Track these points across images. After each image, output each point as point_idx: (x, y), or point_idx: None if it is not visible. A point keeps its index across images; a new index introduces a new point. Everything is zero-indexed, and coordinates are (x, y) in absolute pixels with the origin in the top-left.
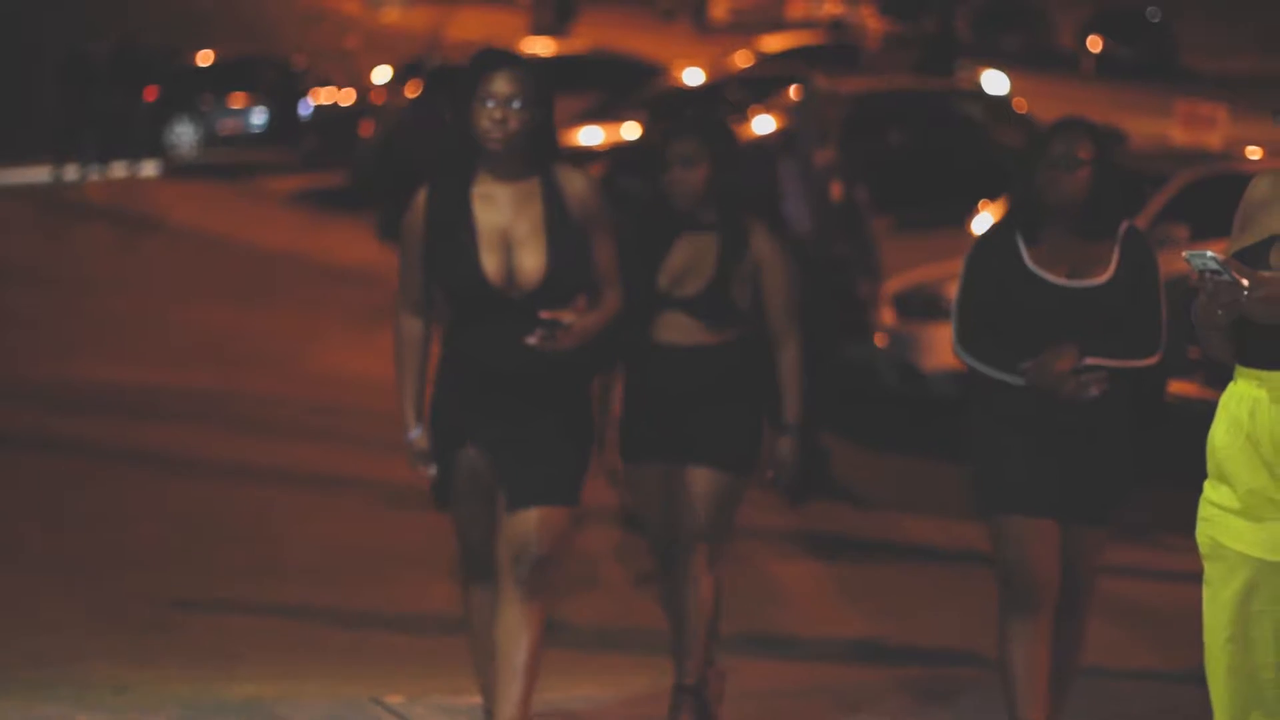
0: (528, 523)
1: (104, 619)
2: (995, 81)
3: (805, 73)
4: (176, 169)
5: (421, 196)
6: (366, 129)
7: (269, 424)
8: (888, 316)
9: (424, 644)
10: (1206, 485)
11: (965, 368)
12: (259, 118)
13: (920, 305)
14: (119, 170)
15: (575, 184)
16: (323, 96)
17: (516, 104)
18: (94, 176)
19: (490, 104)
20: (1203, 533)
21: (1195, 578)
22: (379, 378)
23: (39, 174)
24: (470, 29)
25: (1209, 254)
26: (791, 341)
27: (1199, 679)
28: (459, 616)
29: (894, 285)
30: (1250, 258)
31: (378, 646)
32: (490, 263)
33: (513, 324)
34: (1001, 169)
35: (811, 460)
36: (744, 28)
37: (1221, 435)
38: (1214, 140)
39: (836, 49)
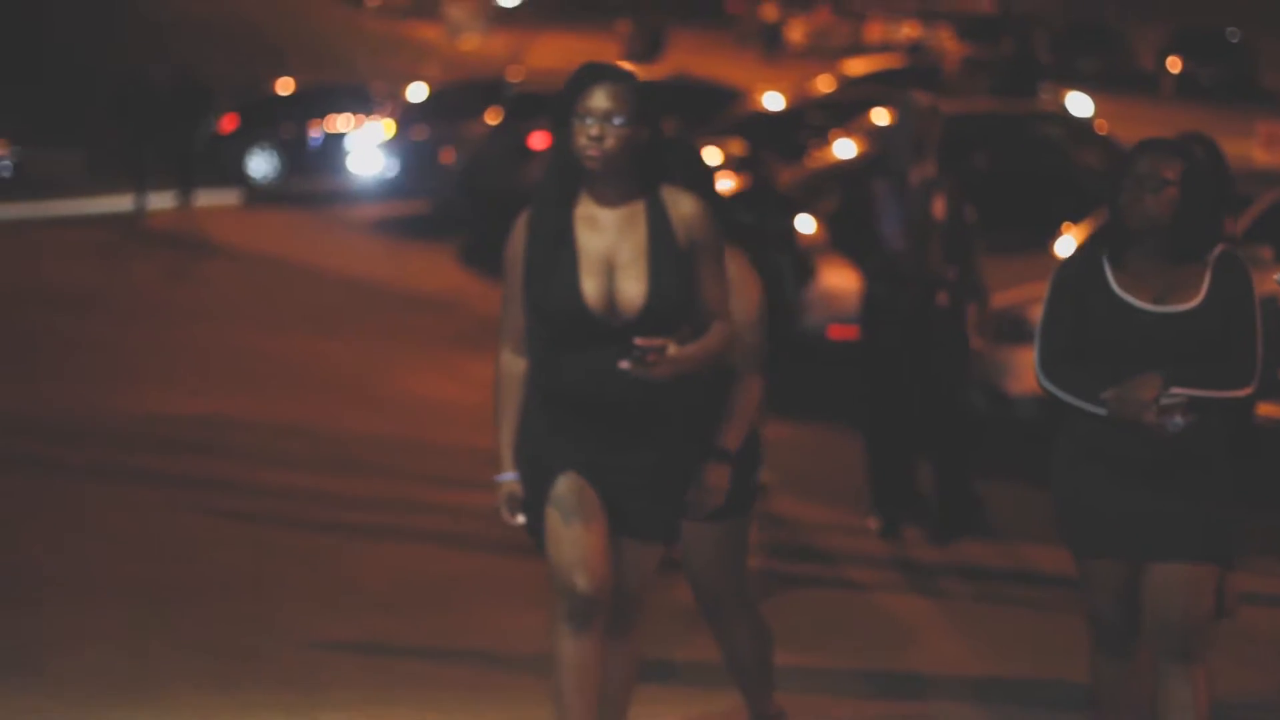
0: (627, 560)
1: (188, 647)
2: (1079, 104)
3: (886, 96)
4: (257, 197)
5: (520, 222)
6: (448, 156)
7: (349, 451)
8: (975, 341)
9: (507, 675)
10: None
11: (1048, 396)
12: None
13: (1005, 328)
14: (197, 199)
15: (684, 207)
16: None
17: (617, 120)
18: (171, 205)
19: (588, 121)
20: None
21: None
22: (460, 404)
23: (120, 203)
24: (549, 56)
25: None
26: (755, 368)
27: None
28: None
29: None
30: None
31: (462, 676)
32: (591, 288)
33: (613, 353)
34: (1083, 191)
35: (964, 502)
36: (822, 52)
37: None
38: None
39: (916, 72)
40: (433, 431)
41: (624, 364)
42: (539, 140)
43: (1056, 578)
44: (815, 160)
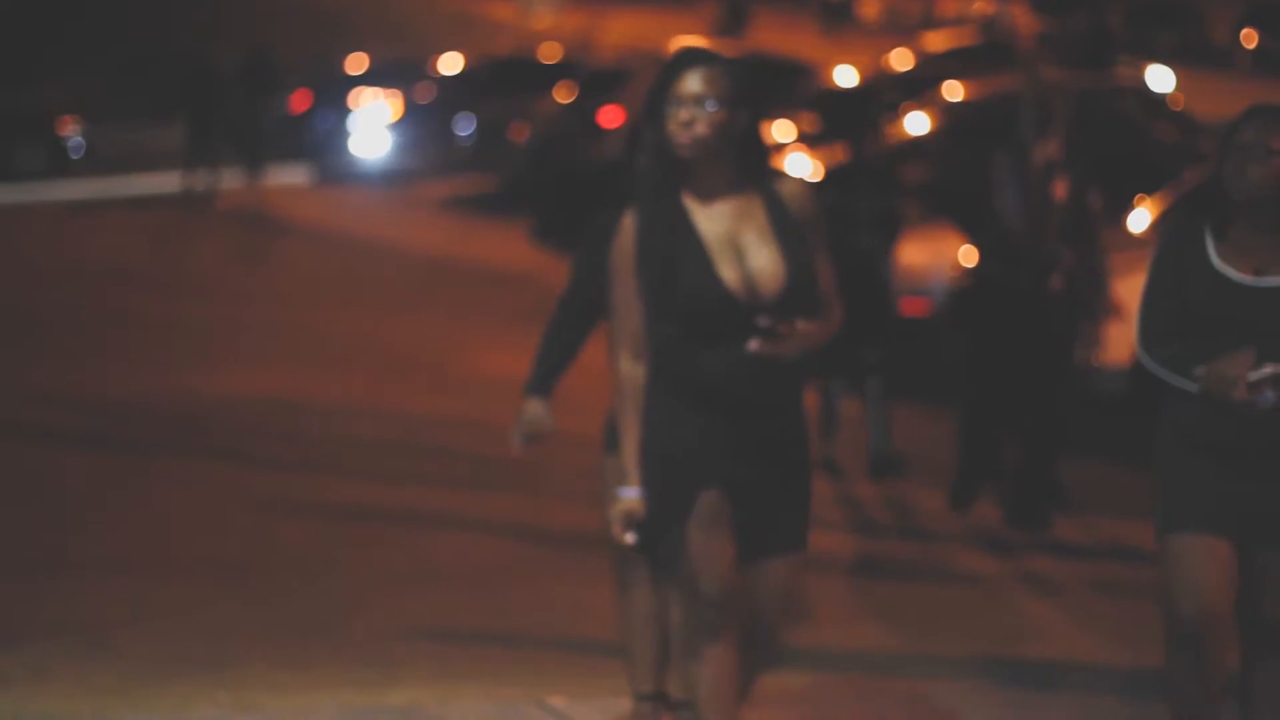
0: (773, 574)
1: (261, 623)
2: (1160, 78)
3: (961, 71)
4: (330, 175)
5: (626, 220)
6: (518, 133)
7: (421, 431)
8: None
9: (576, 654)
10: None
11: (1152, 373)
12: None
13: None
14: (268, 177)
15: (794, 189)
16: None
17: (709, 105)
18: (240, 183)
19: (680, 106)
20: None
21: None
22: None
23: (189, 182)
24: (622, 33)
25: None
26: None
27: None
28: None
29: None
30: None
31: (537, 648)
32: (729, 273)
33: (746, 337)
34: (1158, 166)
35: (1049, 487)
36: (895, 27)
37: None
38: None
39: (989, 48)
40: (505, 410)
41: (754, 345)
42: (609, 117)
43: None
44: (889, 135)
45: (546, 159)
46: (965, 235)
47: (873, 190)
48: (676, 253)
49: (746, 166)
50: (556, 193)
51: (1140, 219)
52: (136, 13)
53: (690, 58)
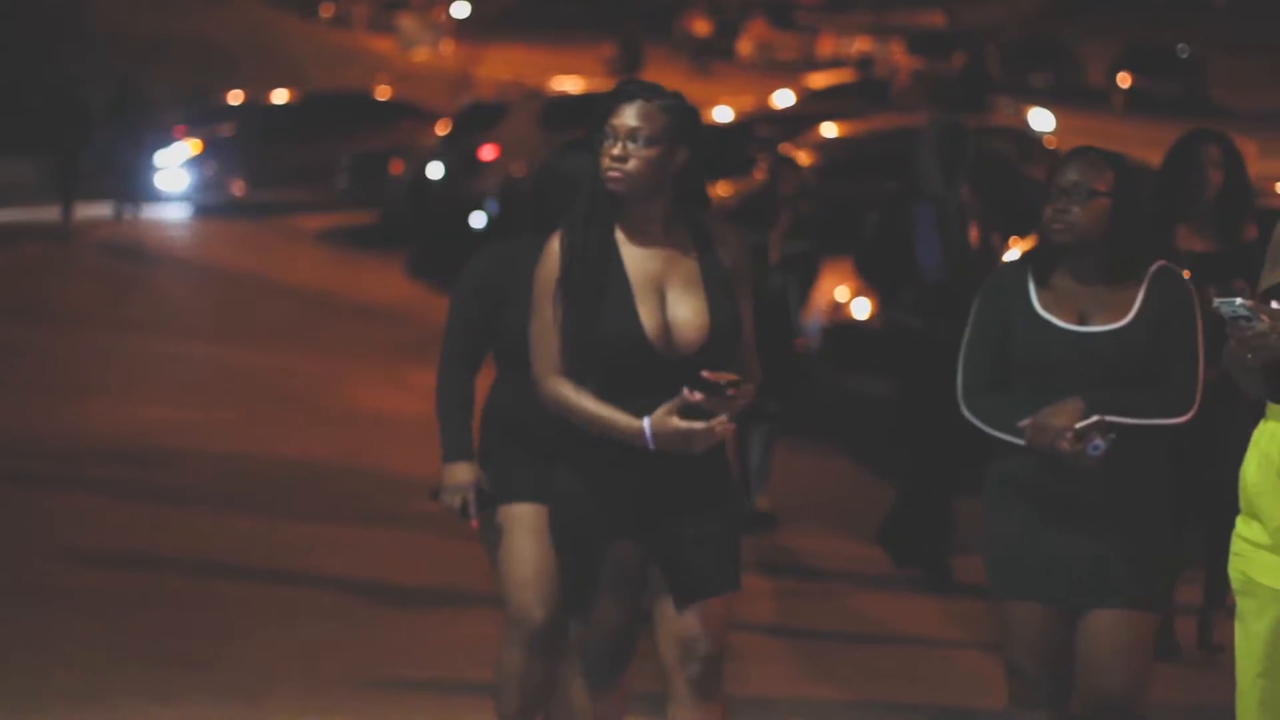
0: (698, 617)
1: (130, 657)
2: (1040, 119)
3: (842, 110)
4: (208, 207)
5: (552, 244)
6: (397, 167)
7: (294, 461)
8: None
9: (456, 679)
10: (1239, 521)
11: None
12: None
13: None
14: (140, 210)
15: (724, 235)
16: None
17: (642, 140)
18: (113, 216)
19: (612, 139)
20: (1235, 568)
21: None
22: (406, 414)
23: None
24: (500, 68)
25: (1238, 301)
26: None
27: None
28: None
29: None
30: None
31: (403, 684)
32: (648, 318)
33: (665, 390)
34: (1032, 206)
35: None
36: (770, 66)
37: (1253, 472)
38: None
39: (866, 86)
40: (379, 443)
41: (695, 397)
42: (488, 152)
43: None
44: (763, 174)
45: (424, 193)
46: (883, 291)
47: (790, 231)
48: (598, 287)
49: (683, 208)
50: (434, 227)
51: (1013, 258)
52: (3, 43)
53: (629, 91)
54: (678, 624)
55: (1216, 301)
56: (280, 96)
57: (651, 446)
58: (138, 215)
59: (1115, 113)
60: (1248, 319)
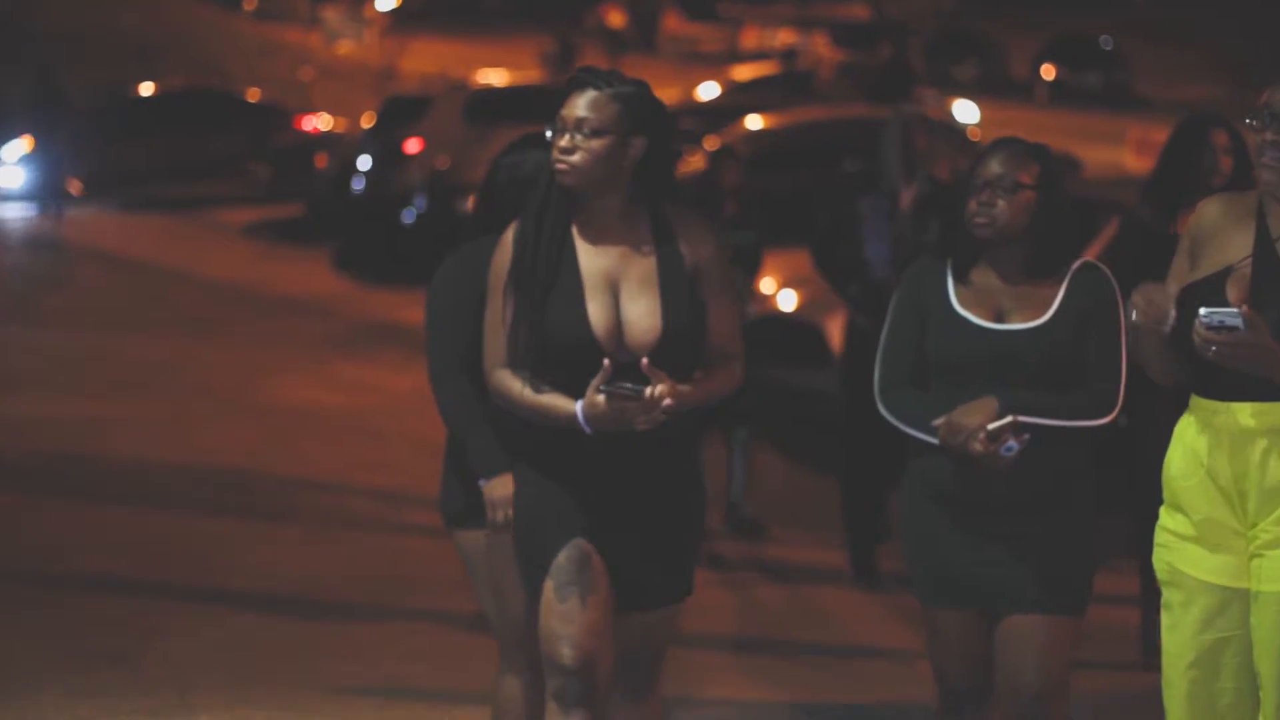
0: (645, 623)
1: (55, 651)
2: (964, 111)
3: (767, 103)
4: (128, 202)
5: (507, 236)
6: (321, 160)
7: (217, 454)
8: (839, 344)
9: (380, 673)
10: (1162, 512)
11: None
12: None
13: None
14: (68, 203)
15: (690, 230)
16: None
17: (589, 131)
18: (36, 210)
19: (560, 131)
20: (1160, 559)
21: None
22: (330, 407)
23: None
24: (425, 61)
25: (1236, 310)
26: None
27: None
28: (413, 647)
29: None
30: (1204, 291)
31: (333, 676)
32: (598, 316)
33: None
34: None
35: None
36: (698, 58)
37: (1178, 465)
38: None
39: (791, 78)
40: (301, 431)
41: (599, 399)
42: (412, 145)
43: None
44: (688, 165)
45: (349, 186)
46: (833, 288)
47: (734, 222)
48: (548, 282)
49: (643, 200)
50: (359, 221)
51: None
52: None
53: (580, 80)
54: (621, 629)
55: (1207, 312)
56: (147, 90)
57: (588, 430)
58: (61, 212)
59: (1039, 104)
60: (1237, 328)
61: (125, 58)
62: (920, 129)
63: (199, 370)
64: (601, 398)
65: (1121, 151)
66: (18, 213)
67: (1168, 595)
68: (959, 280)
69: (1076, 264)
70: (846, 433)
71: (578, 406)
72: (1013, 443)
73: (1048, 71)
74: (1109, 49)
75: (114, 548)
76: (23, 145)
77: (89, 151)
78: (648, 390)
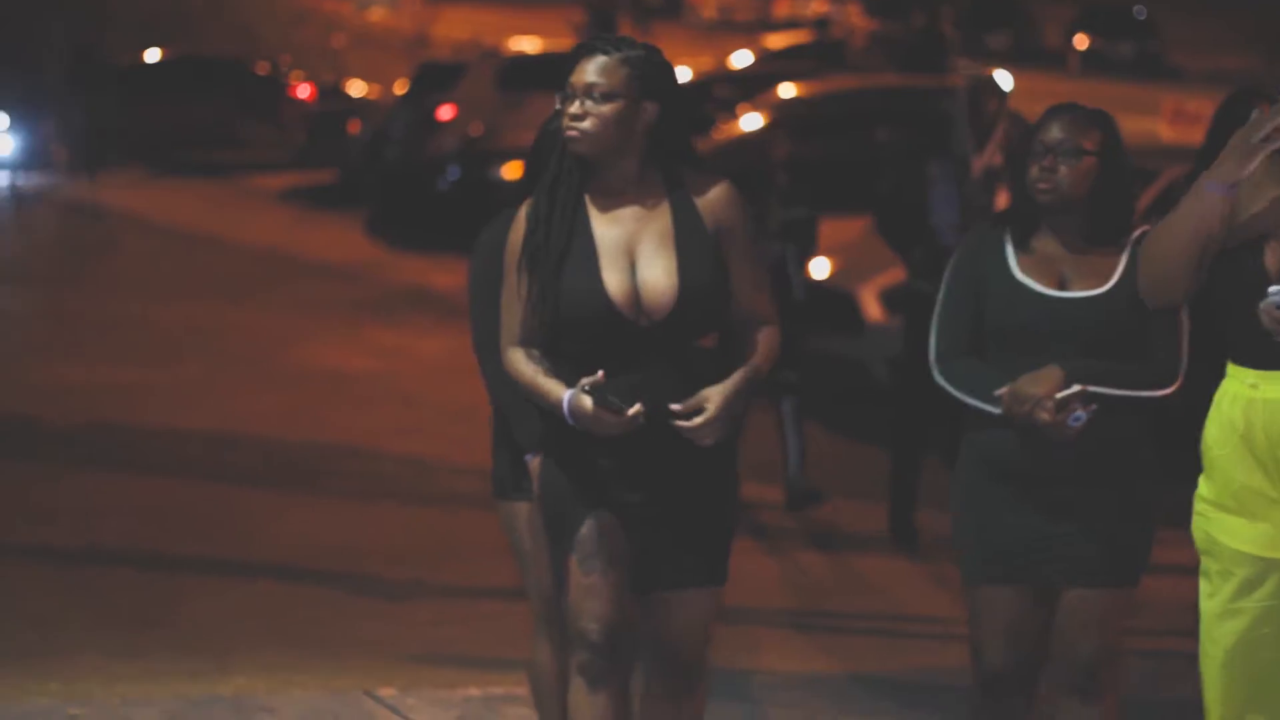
0: (678, 610)
1: (93, 613)
2: (1000, 80)
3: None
4: (163, 168)
5: (522, 210)
6: (355, 126)
7: (250, 420)
8: (875, 312)
9: (414, 636)
10: (1200, 481)
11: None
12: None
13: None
14: (103, 170)
15: (713, 194)
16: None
17: (599, 96)
18: (73, 178)
19: (570, 97)
20: (1198, 528)
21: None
22: (362, 372)
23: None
24: (457, 28)
25: None
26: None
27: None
28: (448, 612)
29: (881, 281)
30: (1243, 257)
31: (368, 639)
32: (614, 282)
33: (641, 363)
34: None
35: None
36: (732, 26)
37: (1215, 434)
38: (1200, 137)
39: (823, 47)
40: (334, 400)
41: (586, 401)
42: (445, 112)
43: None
44: (721, 133)
45: (382, 152)
46: (897, 252)
47: (786, 197)
48: (564, 253)
49: (658, 166)
50: (393, 187)
51: None
52: None
53: (590, 46)
54: (654, 618)
55: (1277, 290)
56: (152, 56)
57: (570, 422)
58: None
59: (1071, 74)
60: None
61: (156, 25)
62: (991, 94)
63: (232, 336)
64: (588, 401)
65: (1156, 122)
66: (52, 179)
67: (1205, 564)
68: (1019, 247)
69: (1137, 232)
70: (900, 399)
71: (565, 396)
72: (1080, 412)
73: (1080, 41)
74: (1142, 19)
75: (149, 513)
76: (5, 115)
77: (70, 121)
78: (630, 410)
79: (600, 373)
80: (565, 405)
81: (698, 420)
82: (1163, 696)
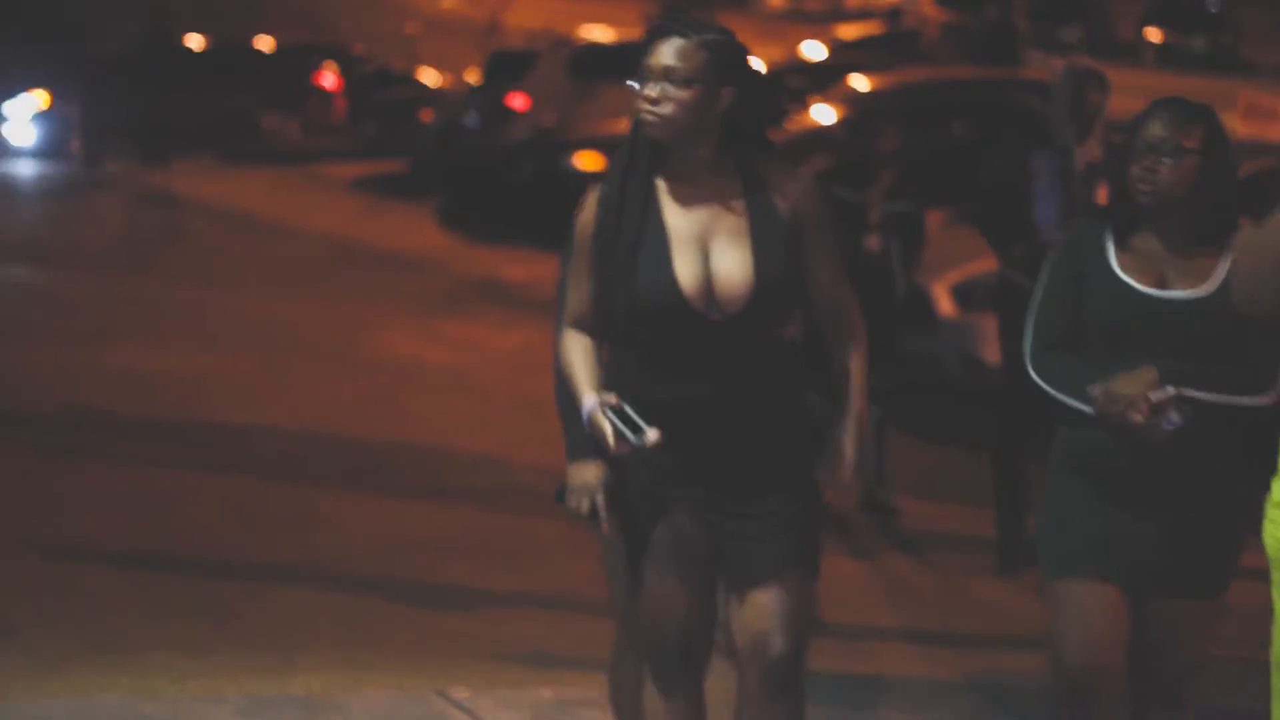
0: (770, 605)
1: (162, 609)
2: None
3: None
4: (235, 156)
5: (592, 197)
6: (427, 115)
7: (323, 411)
8: (947, 307)
9: (487, 636)
10: (1274, 485)
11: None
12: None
13: (980, 296)
14: (175, 158)
15: (791, 184)
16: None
17: (678, 80)
18: (145, 164)
19: (646, 81)
20: (1270, 534)
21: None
22: (433, 364)
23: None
24: (530, 15)
25: None
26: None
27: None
28: (521, 610)
29: (953, 276)
30: None
31: (439, 638)
32: (686, 272)
33: (713, 356)
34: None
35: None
36: (803, 16)
37: None
38: (1275, 132)
39: (895, 38)
40: (405, 392)
41: (607, 417)
42: (518, 101)
43: None
44: (793, 124)
45: (454, 142)
46: (994, 248)
47: (891, 191)
48: (635, 240)
49: (733, 154)
50: (464, 176)
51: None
52: None
53: (665, 28)
54: (745, 615)
55: None
56: (194, 42)
57: (586, 425)
58: (162, 163)
59: (1146, 67)
60: None
61: (232, 11)
62: (1093, 84)
63: (302, 325)
64: (606, 425)
65: (1230, 116)
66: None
67: (1276, 574)
68: (1120, 244)
69: (1239, 232)
70: (1003, 404)
71: (587, 405)
72: (1175, 416)
73: (1153, 34)
74: (1215, 11)
75: (215, 504)
76: (36, 101)
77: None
78: (650, 435)
79: (615, 397)
80: (585, 408)
81: (842, 473)
82: (1229, 704)
